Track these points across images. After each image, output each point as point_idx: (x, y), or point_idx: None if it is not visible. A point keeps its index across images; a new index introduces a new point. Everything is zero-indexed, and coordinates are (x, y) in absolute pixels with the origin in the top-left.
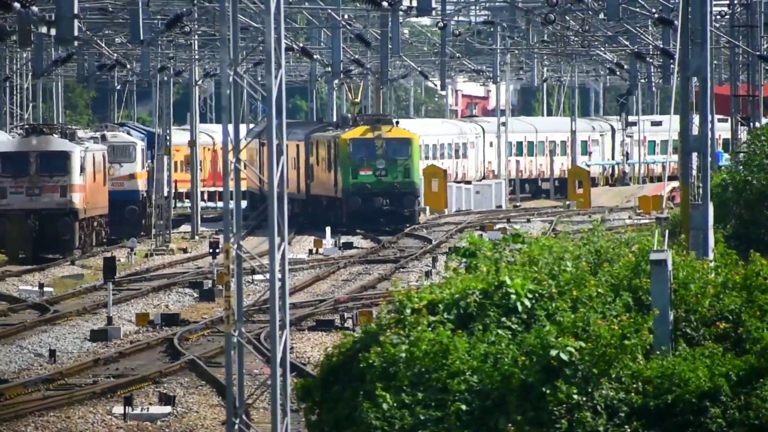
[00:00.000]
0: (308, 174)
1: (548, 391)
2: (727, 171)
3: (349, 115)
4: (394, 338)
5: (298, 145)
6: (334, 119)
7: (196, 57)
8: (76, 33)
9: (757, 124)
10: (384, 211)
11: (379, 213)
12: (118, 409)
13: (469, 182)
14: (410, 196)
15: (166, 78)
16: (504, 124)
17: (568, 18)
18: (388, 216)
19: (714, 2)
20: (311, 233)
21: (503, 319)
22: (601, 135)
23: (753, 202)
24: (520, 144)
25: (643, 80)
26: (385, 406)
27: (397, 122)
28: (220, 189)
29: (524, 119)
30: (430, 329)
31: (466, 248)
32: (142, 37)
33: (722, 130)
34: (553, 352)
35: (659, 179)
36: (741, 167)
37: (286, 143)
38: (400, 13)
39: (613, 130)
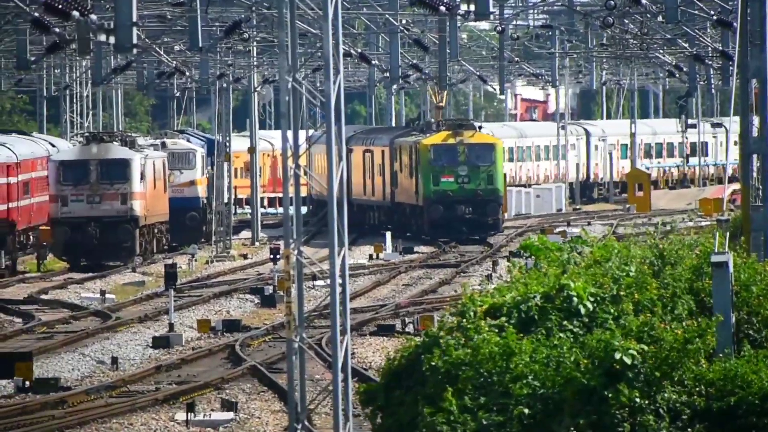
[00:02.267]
0: (393, 181)
1: (610, 395)
2: None
3: (432, 120)
4: (455, 341)
5: (383, 151)
6: (393, 124)
7: (255, 63)
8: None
9: None
10: (466, 220)
11: (461, 221)
12: (181, 416)
13: (528, 186)
14: (493, 203)
15: (225, 85)
16: (563, 127)
17: (626, 21)
18: (470, 224)
19: None
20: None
21: (565, 322)
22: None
23: None
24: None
25: (702, 82)
26: (451, 409)
27: (480, 127)
28: (280, 195)
29: (582, 122)
30: (495, 332)
31: (534, 245)
32: (200, 44)
33: None
34: (617, 356)
35: (720, 181)
36: None
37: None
38: (458, 17)
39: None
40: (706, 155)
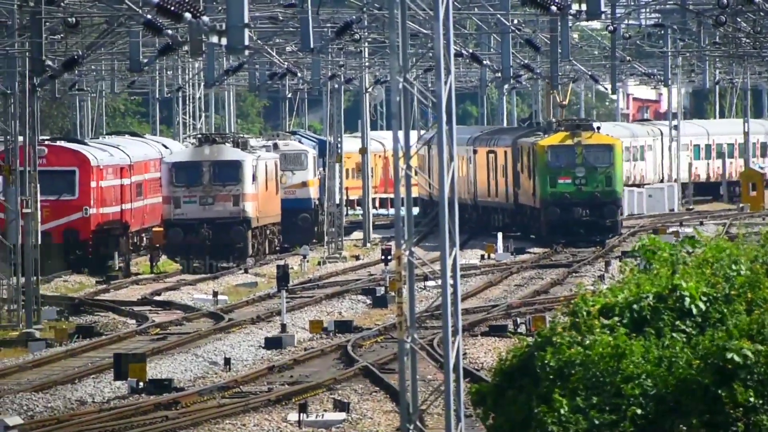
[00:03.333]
0: (515, 182)
1: (724, 394)
2: None
3: (554, 120)
4: (569, 339)
5: (506, 152)
6: (505, 125)
7: (366, 64)
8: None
9: None
10: (583, 222)
11: (579, 224)
12: (293, 416)
13: (641, 186)
14: (611, 205)
15: (336, 86)
16: (676, 127)
17: (739, 19)
18: (588, 227)
19: None
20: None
21: (677, 322)
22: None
23: None
24: (695, 147)
25: None
26: (562, 410)
27: (599, 128)
28: (391, 196)
29: (696, 122)
30: (607, 332)
31: (646, 247)
32: (312, 46)
33: None
34: (729, 355)
35: None
36: None
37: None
38: (570, 17)
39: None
40: None
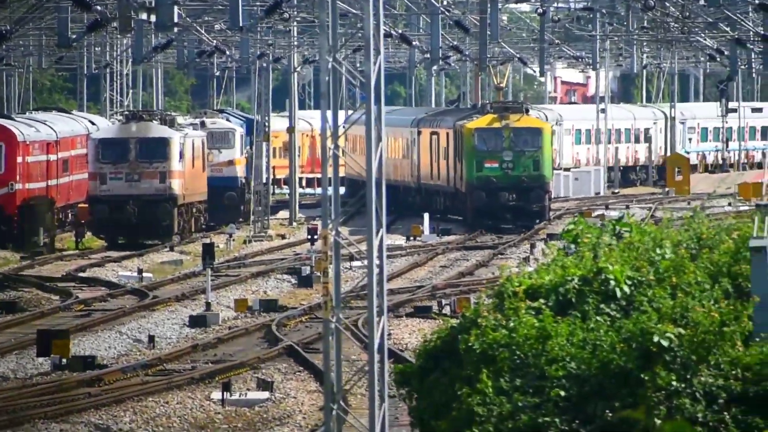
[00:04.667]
0: (454, 165)
1: (647, 378)
2: None
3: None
4: (493, 322)
5: (447, 134)
6: (433, 106)
7: (295, 43)
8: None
9: None
10: (510, 207)
11: (505, 209)
12: (217, 395)
13: (567, 169)
14: (539, 190)
15: (265, 64)
16: (603, 110)
17: (667, 4)
18: (514, 212)
19: None
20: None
21: (602, 305)
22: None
23: None
24: (618, 131)
25: (743, 67)
26: (486, 391)
27: (527, 109)
28: (318, 175)
29: (623, 106)
30: (532, 314)
31: (573, 232)
32: (241, 24)
33: None
34: (654, 338)
35: (760, 166)
36: None
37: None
38: None
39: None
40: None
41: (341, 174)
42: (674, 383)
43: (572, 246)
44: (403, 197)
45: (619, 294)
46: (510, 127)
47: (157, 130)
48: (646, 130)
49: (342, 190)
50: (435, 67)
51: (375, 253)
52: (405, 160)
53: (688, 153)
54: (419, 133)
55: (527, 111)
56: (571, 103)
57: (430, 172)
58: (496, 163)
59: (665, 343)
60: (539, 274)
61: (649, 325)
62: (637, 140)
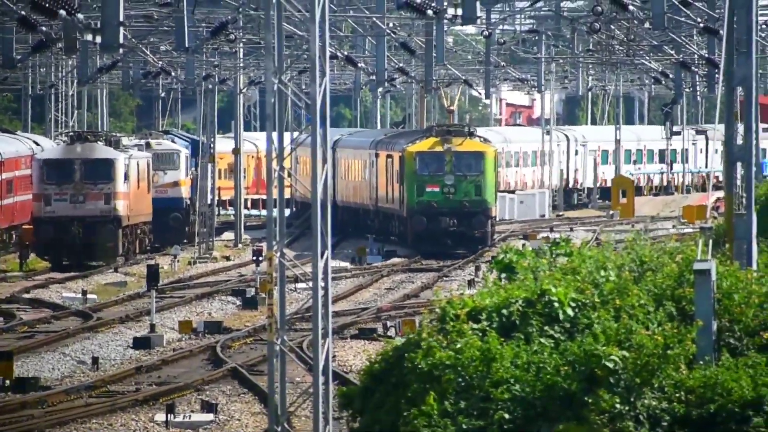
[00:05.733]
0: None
1: (590, 400)
2: None
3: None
4: (438, 343)
5: (400, 157)
6: (379, 128)
7: (241, 65)
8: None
9: None
10: (451, 233)
11: (446, 234)
12: (161, 417)
13: (512, 192)
14: (481, 215)
15: (210, 86)
16: (548, 132)
17: (613, 27)
18: (455, 237)
19: (759, 11)
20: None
21: (546, 327)
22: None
23: None
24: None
25: (688, 89)
26: (432, 413)
27: (471, 133)
28: (263, 197)
29: (569, 128)
30: (477, 336)
31: (504, 261)
32: (187, 45)
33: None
34: (597, 361)
35: (704, 189)
36: None
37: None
38: (445, 21)
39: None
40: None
41: (287, 195)
42: (618, 406)
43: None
44: (363, 220)
45: (562, 316)
46: (452, 150)
47: (101, 151)
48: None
49: (287, 211)
50: (381, 89)
51: (320, 275)
52: (364, 182)
53: (632, 175)
54: (377, 155)
55: (471, 134)
56: (516, 125)
57: (386, 195)
58: (437, 188)
59: (610, 366)
60: (482, 297)
61: (594, 348)
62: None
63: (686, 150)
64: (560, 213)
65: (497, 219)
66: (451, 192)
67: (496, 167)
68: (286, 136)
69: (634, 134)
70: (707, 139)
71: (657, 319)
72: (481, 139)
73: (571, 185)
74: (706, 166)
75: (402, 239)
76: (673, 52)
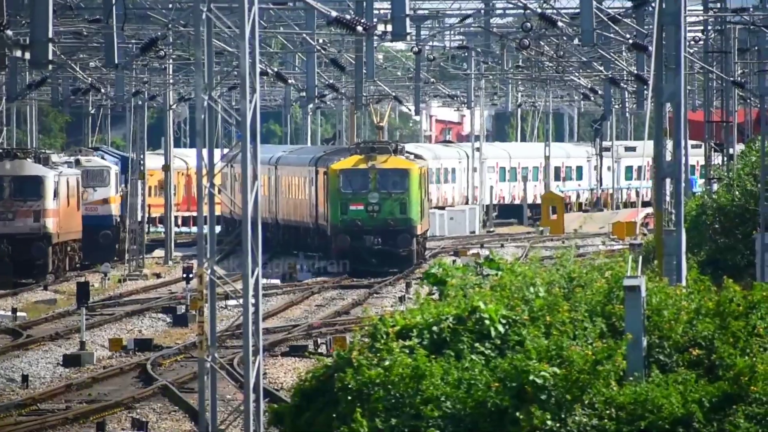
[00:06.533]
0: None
1: (522, 417)
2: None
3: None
4: (367, 361)
5: (324, 173)
6: (309, 144)
7: (171, 81)
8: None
9: (731, 150)
10: (375, 252)
11: (371, 253)
12: None
13: (442, 208)
14: (406, 234)
15: (140, 102)
16: (478, 149)
17: (542, 43)
18: (380, 256)
19: (688, 28)
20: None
21: (476, 344)
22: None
23: (729, 228)
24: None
25: (617, 106)
26: (361, 431)
27: (399, 149)
28: (194, 214)
29: (498, 145)
30: (406, 353)
31: (436, 276)
32: (116, 61)
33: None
34: (528, 377)
35: (633, 205)
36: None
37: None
38: (375, 38)
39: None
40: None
41: (217, 212)
42: (549, 422)
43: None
44: (303, 237)
45: (493, 333)
46: (376, 168)
47: (31, 168)
48: (524, 170)
49: (218, 228)
50: (311, 106)
51: (251, 292)
52: (304, 200)
53: (563, 192)
54: (317, 172)
55: (395, 151)
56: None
57: (324, 212)
58: (361, 206)
59: (540, 382)
60: (412, 314)
61: (524, 364)
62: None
63: (580, 167)
64: (491, 229)
65: (428, 235)
66: (376, 210)
67: (422, 184)
68: (217, 152)
69: (564, 150)
70: (600, 157)
71: (587, 335)
72: (411, 156)
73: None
74: (600, 183)
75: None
76: (602, 68)
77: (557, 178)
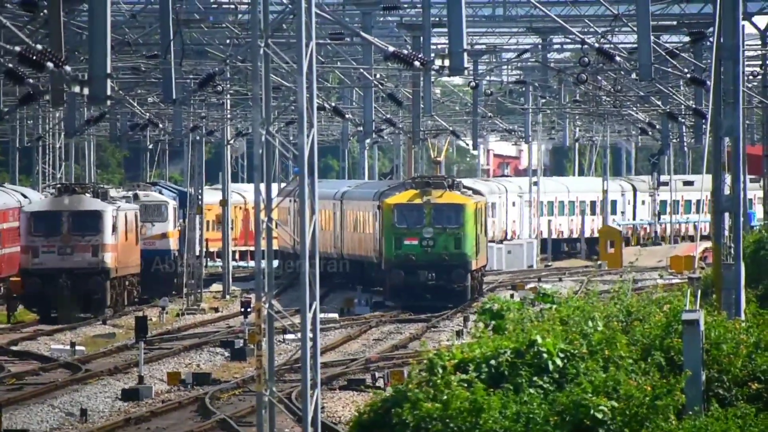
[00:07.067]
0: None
1: None
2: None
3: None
4: (424, 395)
5: (379, 208)
6: (366, 179)
7: (229, 116)
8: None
9: None
10: (429, 287)
11: (425, 288)
12: None
13: (500, 242)
14: (460, 269)
15: (198, 137)
16: (536, 183)
17: (600, 78)
18: (434, 291)
19: (746, 62)
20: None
21: (535, 378)
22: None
23: None
24: (551, 203)
25: (675, 140)
26: None
27: (453, 184)
28: (251, 248)
29: (556, 179)
30: (464, 387)
31: (493, 310)
32: (174, 97)
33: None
34: (587, 411)
35: (692, 239)
36: None
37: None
38: (432, 72)
39: (635, 190)
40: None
41: (275, 246)
42: None
43: (496, 323)
44: (368, 272)
45: (551, 367)
46: (431, 203)
47: (89, 203)
48: (582, 203)
49: (275, 263)
50: (368, 140)
51: (308, 326)
52: (368, 234)
53: (620, 226)
54: (379, 207)
55: (451, 186)
56: (503, 176)
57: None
58: (416, 240)
59: (599, 416)
60: (470, 347)
61: (583, 398)
62: (573, 212)
63: (615, 201)
64: (548, 263)
65: (486, 269)
66: (430, 245)
67: (477, 219)
68: (274, 187)
69: (620, 186)
70: (635, 191)
71: (645, 370)
72: (468, 192)
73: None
74: (634, 218)
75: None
76: (660, 102)
77: (614, 212)
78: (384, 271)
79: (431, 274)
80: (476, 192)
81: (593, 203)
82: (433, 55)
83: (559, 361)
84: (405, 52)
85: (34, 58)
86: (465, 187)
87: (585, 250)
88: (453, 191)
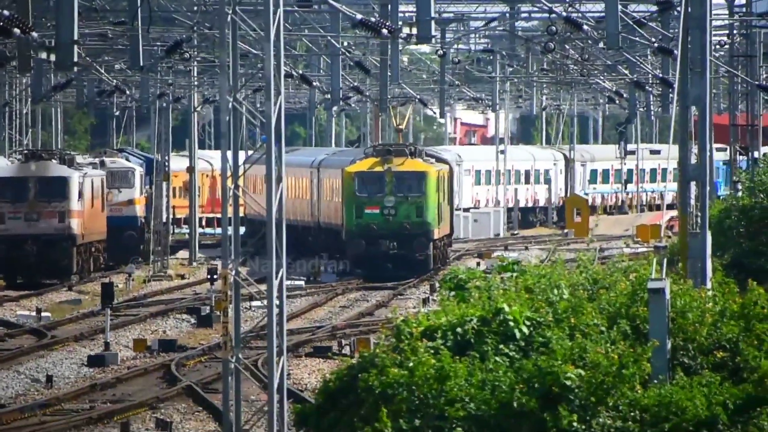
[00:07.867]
0: None
1: (548, 417)
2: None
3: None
4: (391, 361)
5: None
6: (333, 146)
7: (196, 83)
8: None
9: (756, 154)
10: (391, 256)
11: (386, 258)
12: None
13: (466, 210)
14: (422, 238)
15: (165, 104)
16: (503, 152)
17: (567, 47)
18: (396, 261)
19: (713, 32)
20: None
21: (501, 346)
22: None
23: (754, 231)
24: (518, 172)
25: (642, 109)
26: (386, 431)
27: (415, 151)
28: (218, 215)
29: (523, 147)
30: (431, 354)
31: (455, 281)
32: (141, 63)
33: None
34: (555, 378)
35: (658, 208)
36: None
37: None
38: (400, 40)
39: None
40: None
41: (241, 214)
42: (575, 423)
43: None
44: (340, 240)
45: (518, 335)
46: (392, 171)
47: (56, 169)
48: (546, 171)
49: (242, 229)
50: (335, 108)
51: (275, 293)
52: (335, 202)
53: (587, 194)
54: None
55: (412, 154)
56: (470, 144)
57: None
58: (377, 209)
59: (567, 384)
60: (437, 315)
61: (550, 366)
62: (537, 181)
63: (547, 171)
64: (515, 232)
65: (452, 238)
66: (392, 214)
67: (440, 187)
68: (241, 154)
69: (589, 154)
70: (567, 161)
71: (611, 338)
72: (430, 159)
73: (530, 204)
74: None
75: None
76: (627, 71)
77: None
78: (345, 241)
79: (393, 244)
80: (440, 160)
81: (528, 172)
82: (400, 23)
83: (525, 329)
84: (372, 19)
85: (1, 24)
86: (428, 154)
87: (548, 219)
88: (415, 159)
